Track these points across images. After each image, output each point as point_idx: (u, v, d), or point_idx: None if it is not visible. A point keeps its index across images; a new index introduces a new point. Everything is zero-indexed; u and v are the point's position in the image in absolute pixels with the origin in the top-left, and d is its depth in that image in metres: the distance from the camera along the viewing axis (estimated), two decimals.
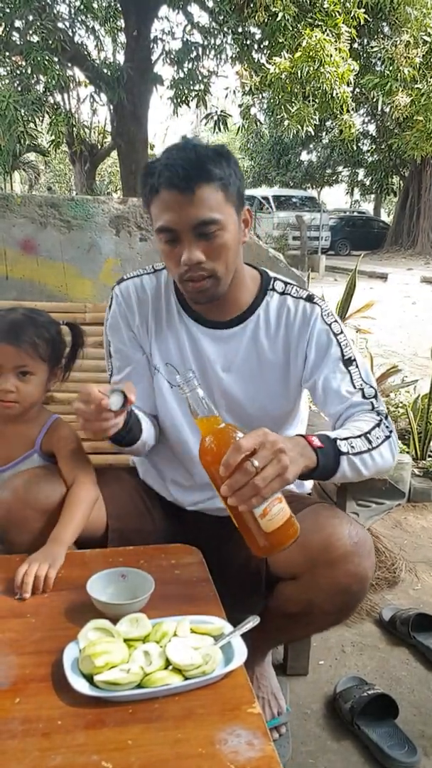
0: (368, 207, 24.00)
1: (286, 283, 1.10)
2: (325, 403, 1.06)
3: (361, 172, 19.15)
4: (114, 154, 11.98)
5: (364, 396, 1.03)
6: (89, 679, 0.71)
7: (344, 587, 0.94)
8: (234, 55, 8.10)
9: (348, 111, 7.32)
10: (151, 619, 0.80)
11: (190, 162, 0.91)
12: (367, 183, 19.42)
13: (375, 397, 1.04)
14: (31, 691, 0.71)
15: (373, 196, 21.58)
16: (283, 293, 1.08)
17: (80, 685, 0.70)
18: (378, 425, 0.99)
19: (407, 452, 2.52)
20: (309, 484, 1.21)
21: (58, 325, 1.15)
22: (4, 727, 0.66)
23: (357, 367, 1.05)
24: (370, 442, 0.96)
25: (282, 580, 1.02)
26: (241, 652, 0.76)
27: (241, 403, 1.08)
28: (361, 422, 0.99)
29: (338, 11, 6.59)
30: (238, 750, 0.64)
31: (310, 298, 1.08)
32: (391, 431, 1.00)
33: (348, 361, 1.05)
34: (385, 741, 1.15)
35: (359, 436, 0.95)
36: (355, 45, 8.01)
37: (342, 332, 1.07)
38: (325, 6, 6.56)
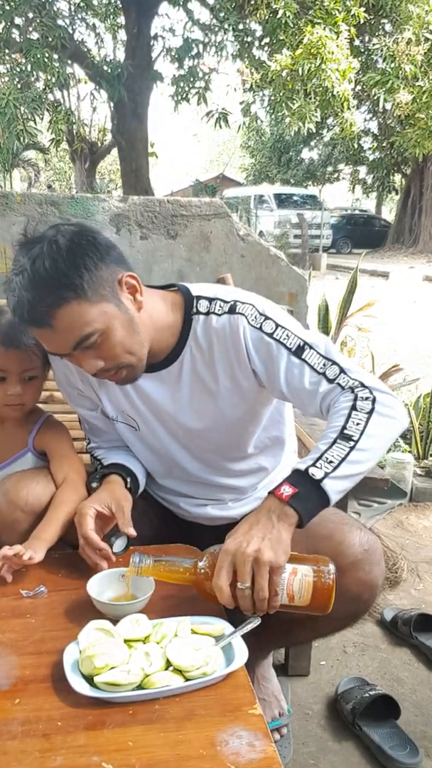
0: (370, 205, 23.95)
1: (210, 300, 0.99)
2: (302, 406, 0.98)
3: (363, 170, 19.10)
4: (114, 151, 11.95)
5: (328, 380, 0.93)
6: (89, 680, 0.71)
7: (355, 595, 0.93)
8: (235, 53, 8.07)
9: (349, 108, 7.30)
10: (151, 619, 0.80)
11: (31, 294, 0.83)
12: (369, 181, 19.38)
13: (341, 372, 0.93)
14: (32, 692, 0.71)
15: (374, 194, 21.53)
16: (207, 313, 0.98)
17: (80, 686, 0.69)
18: (353, 407, 0.89)
19: (409, 452, 2.51)
20: None
21: None
22: (5, 728, 0.66)
23: (311, 348, 0.95)
24: (349, 438, 0.87)
25: None
26: (241, 653, 0.76)
27: (204, 434, 1.05)
28: (334, 418, 0.91)
29: (338, 9, 6.57)
30: (239, 751, 0.63)
31: (232, 309, 0.97)
32: (373, 399, 0.89)
33: (298, 350, 0.94)
34: (387, 742, 1.15)
35: (335, 441, 0.87)
36: (357, 42, 7.98)
37: (277, 326, 0.96)
38: (325, 4, 6.54)
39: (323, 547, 0.92)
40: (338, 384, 0.93)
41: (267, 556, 0.77)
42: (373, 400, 0.89)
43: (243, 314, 0.96)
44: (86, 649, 0.73)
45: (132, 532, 0.94)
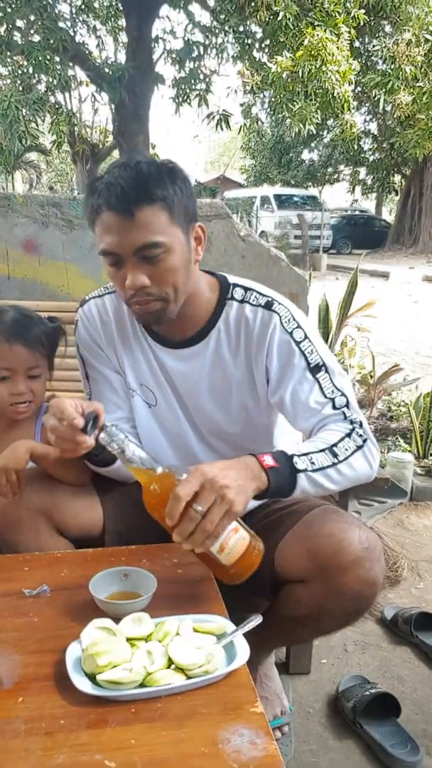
0: (370, 205, 23.95)
1: (246, 289, 1.02)
2: (295, 418, 1.00)
3: (363, 171, 19.10)
4: (116, 153, 11.97)
5: (334, 406, 0.98)
6: (92, 678, 0.71)
7: (356, 593, 0.93)
8: (235, 54, 8.08)
9: (349, 110, 7.30)
10: (153, 618, 0.80)
11: (130, 182, 0.87)
12: (369, 182, 19.37)
13: (347, 405, 0.99)
14: (34, 690, 0.71)
15: (374, 194, 21.53)
16: (242, 301, 1.01)
17: (83, 685, 0.70)
18: (348, 435, 0.95)
19: (409, 451, 2.52)
20: None
21: (53, 321, 1.17)
22: (8, 726, 0.66)
23: (327, 372, 0.99)
24: (335, 455, 0.92)
25: (290, 582, 1.01)
26: (243, 651, 0.76)
27: (218, 423, 1.06)
28: (328, 432, 0.95)
29: (338, 11, 6.58)
30: (241, 749, 0.64)
31: (269, 305, 1.00)
32: (365, 439, 0.96)
33: (315, 368, 0.98)
34: (388, 740, 1.15)
35: (323, 450, 0.91)
36: (357, 44, 7.99)
37: (306, 338, 1.00)
38: (325, 6, 6.55)
39: (324, 546, 0.93)
40: (343, 413, 0.98)
41: (231, 496, 0.79)
42: (365, 441, 0.96)
43: (278, 313, 1.00)
44: (88, 647, 0.73)
45: (103, 418, 0.90)
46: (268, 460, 0.86)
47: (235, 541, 0.80)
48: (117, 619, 0.79)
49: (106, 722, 0.67)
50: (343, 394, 0.99)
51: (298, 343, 0.99)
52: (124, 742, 0.65)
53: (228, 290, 1.03)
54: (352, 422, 0.97)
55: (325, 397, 0.98)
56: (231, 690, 0.72)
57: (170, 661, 0.73)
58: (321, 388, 0.98)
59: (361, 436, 0.96)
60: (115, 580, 0.87)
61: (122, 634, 0.77)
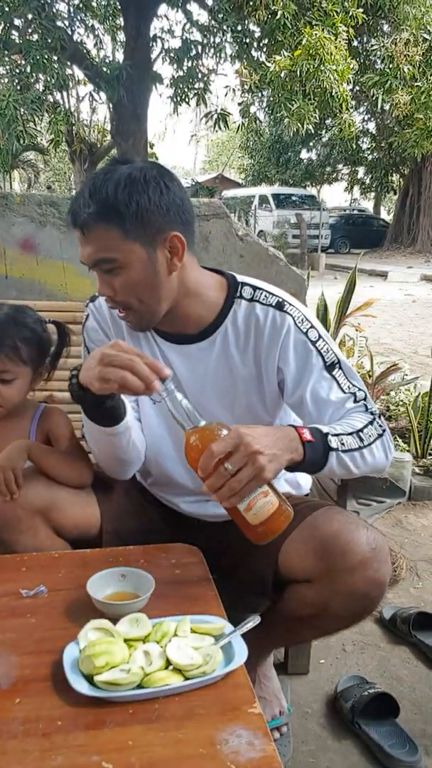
0: (368, 205, 23.98)
1: (254, 288, 1.03)
2: (318, 415, 1.01)
3: (361, 170, 19.13)
4: (114, 152, 11.96)
5: (356, 400, 1.01)
6: (89, 679, 0.71)
7: (363, 593, 0.93)
8: (233, 54, 8.08)
9: (348, 109, 7.31)
10: (151, 618, 0.80)
11: (82, 200, 0.89)
12: (367, 181, 19.40)
13: (365, 398, 1.02)
14: (32, 691, 0.71)
15: (372, 194, 21.55)
16: (251, 300, 1.01)
17: (80, 686, 0.69)
18: (371, 423, 0.98)
19: (407, 450, 2.52)
20: (306, 486, 1.20)
21: (44, 324, 1.15)
22: (5, 727, 0.66)
23: (341, 368, 1.02)
24: (361, 440, 0.95)
25: (294, 582, 1.01)
26: (241, 651, 0.76)
27: (218, 416, 1.03)
28: (353, 420, 0.98)
29: (336, 11, 6.58)
30: (239, 750, 0.64)
31: (280, 306, 1.01)
32: (384, 430, 0.99)
33: (331, 366, 1.01)
34: (386, 740, 1.15)
35: (351, 434, 0.95)
36: (355, 43, 7.99)
37: (320, 337, 1.02)
38: (323, 5, 6.55)
39: (331, 546, 0.93)
40: (365, 405, 1.01)
41: (263, 461, 0.80)
42: (383, 431, 0.99)
43: (291, 315, 1.01)
44: (86, 648, 0.73)
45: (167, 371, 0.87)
46: (307, 434, 0.89)
47: (263, 504, 0.81)
48: (115, 620, 0.79)
49: (103, 723, 0.67)
50: (360, 389, 1.02)
51: (314, 343, 1.01)
52: (122, 743, 0.64)
53: (237, 289, 1.03)
54: (372, 413, 1.00)
55: (344, 392, 1.01)
56: (229, 691, 0.72)
57: (168, 662, 0.73)
58: (339, 385, 1.01)
59: (380, 425, 0.99)
60: (113, 581, 0.87)
61: (120, 634, 0.76)
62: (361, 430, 0.96)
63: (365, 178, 19.28)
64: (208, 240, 1.99)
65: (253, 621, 0.81)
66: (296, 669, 1.37)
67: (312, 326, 1.02)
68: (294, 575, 1.00)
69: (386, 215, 22.50)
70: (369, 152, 17.72)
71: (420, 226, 16.02)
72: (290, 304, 1.02)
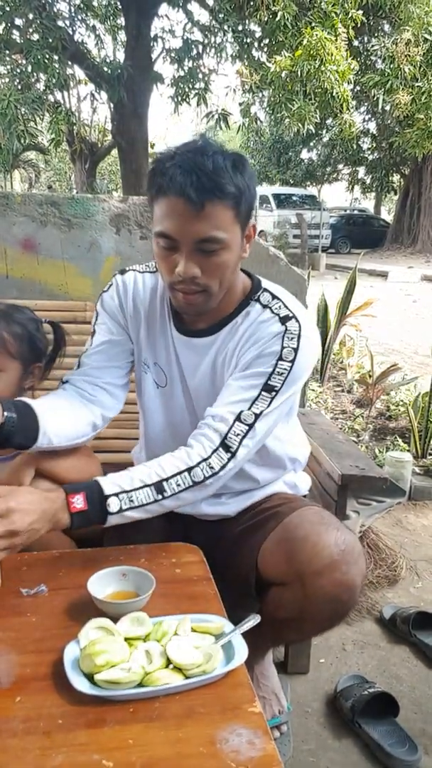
0: (369, 205, 23.96)
1: (273, 296, 1.01)
2: (206, 400, 1.01)
3: (362, 170, 19.11)
4: (114, 152, 11.96)
5: (238, 417, 0.93)
6: (90, 678, 0.71)
7: (333, 596, 0.92)
8: (234, 54, 8.08)
9: (348, 109, 7.30)
10: (151, 617, 0.80)
11: (205, 173, 0.85)
12: (368, 181, 19.38)
13: (249, 427, 0.93)
14: (32, 690, 0.71)
15: (373, 194, 21.54)
16: (265, 306, 1.00)
17: (81, 684, 0.70)
18: (190, 470, 0.91)
19: (407, 450, 2.52)
20: (305, 486, 1.20)
21: (38, 323, 1.14)
22: (5, 725, 0.66)
23: (270, 401, 0.94)
24: (161, 491, 0.90)
25: (274, 585, 1.01)
26: (242, 650, 0.76)
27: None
28: (176, 456, 0.93)
29: (336, 12, 6.57)
30: (239, 749, 0.64)
31: (285, 319, 0.97)
32: (213, 473, 0.92)
33: (269, 387, 0.94)
34: (386, 739, 1.15)
35: (149, 486, 0.90)
36: (356, 43, 7.99)
37: (291, 362, 0.95)
38: (323, 6, 6.54)
39: (299, 549, 0.92)
40: (221, 435, 0.93)
41: (15, 542, 0.82)
42: (213, 475, 0.92)
43: (286, 326, 0.98)
44: (87, 647, 0.73)
45: None
46: (78, 503, 0.87)
47: None
48: (115, 619, 0.79)
49: (104, 722, 0.67)
50: (255, 420, 0.94)
51: (279, 359, 0.95)
52: (122, 741, 0.64)
53: (257, 292, 1.02)
54: (218, 448, 0.93)
55: (247, 408, 0.94)
56: (229, 690, 0.72)
57: (168, 661, 0.73)
58: (253, 401, 0.94)
59: (211, 468, 0.92)
60: (114, 580, 0.87)
61: (120, 633, 0.76)
62: (167, 479, 0.91)
63: (366, 178, 19.26)
64: None
65: (253, 620, 0.82)
66: (296, 668, 1.37)
67: (296, 348, 0.95)
68: (271, 578, 1.00)
69: (387, 215, 22.49)
70: (370, 152, 17.70)
71: (420, 226, 16.00)
72: (296, 320, 0.97)
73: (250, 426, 0.94)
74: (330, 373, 3.45)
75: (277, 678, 1.22)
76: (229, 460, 0.93)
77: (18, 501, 0.83)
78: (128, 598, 0.84)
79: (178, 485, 0.91)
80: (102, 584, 0.85)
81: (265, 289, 1.03)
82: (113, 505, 0.89)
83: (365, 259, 12.57)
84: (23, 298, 1.71)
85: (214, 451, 0.93)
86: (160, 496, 0.91)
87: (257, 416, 0.94)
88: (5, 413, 0.93)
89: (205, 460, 0.93)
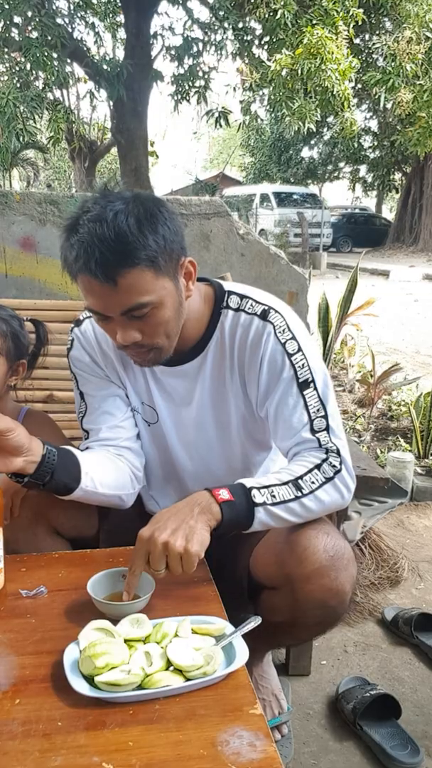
0: (370, 204, 23.92)
1: (241, 297, 0.98)
2: (275, 435, 0.99)
3: (363, 169, 19.09)
4: (114, 150, 11.94)
5: (312, 429, 0.94)
6: (90, 680, 0.70)
7: (320, 602, 0.91)
8: (234, 51, 8.05)
9: (349, 107, 7.28)
10: (151, 619, 0.79)
11: (108, 246, 0.80)
12: (369, 179, 19.36)
13: (326, 429, 0.95)
14: (32, 691, 0.71)
15: (374, 192, 21.51)
16: (237, 309, 0.97)
17: (81, 686, 0.69)
18: (318, 467, 0.92)
19: (409, 450, 2.51)
20: None
21: (21, 321, 1.14)
22: (5, 728, 0.66)
23: (315, 389, 0.95)
24: (299, 488, 0.90)
25: (266, 589, 1.01)
26: (242, 652, 0.76)
27: (216, 435, 1.04)
28: (297, 464, 0.93)
29: (336, 10, 6.55)
30: (240, 751, 0.63)
31: (264, 314, 0.95)
32: (337, 470, 0.93)
33: (303, 384, 0.94)
34: (388, 741, 1.15)
35: (286, 483, 0.90)
36: (357, 41, 7.97)
37: (299, 350, 0.95)
38: (323, 4, 6.52)
39: (288, 554, 0.92)
40: (318, 439, 0.95)
41: (177, 546, 0.80)
42: (337, 471, 0.93)
43: (273, 323, 0.95)
44: (86, 649, 0.72)
45: None
46: (223, 494, 0.86)
47: None
48: (115, 621, 0.79)
49: (104, 724, 0.66)
50: (325, 416, 0.95)
51: (290, 356, 0.95)
52: (122, 744, 0.64)
53: (223, 299, 0.98)
54: (327, 450, 0.94)
55: (308, 416, 0.94)
56: (230, 691, 0.72)
57: (169, 663, 0.73)
58: (306, 405, 0.94)
59: (333, 466, 0.93)
60: (114, 581, 0.87)
61: (120, 635, 0.76)
62: (300, 477, 0.91)
63: (367, 176, 19.24)
64: (209, 239, 1.99)
65: (253, 621, 0.81)
66: (297, 670, 1.36)
67: (293, 337, 0.95)
68: (263, 582, 1.00)
69: (388, 214, 22.45)
70: (371, 150, 17.67)
71: (422, 225, 15.98)
72: (276, 312, 0.96)
73: (327, 424, 0.95)
74: (331, 372, 3.44)
75: (277, 679, 1.22)
76: (338, 452, 0.94)
77: (155, 520, 0.84)
78: (128, 599, 0.84)
79: (313, 482, 0.91)
80: (102, 586, 0.85)
81: (230, 292, 0.99)
82: (258, 497, 0.87)
83: (366, 258, 12.56)
84: (22, 298, 1.71)
85: (324, 459, 0.94)
86: (299, 493, 0.90)
87: (321, 411, 0.95)
88: (45, 446, 0.90)
89: (324, 461, 0.93)
